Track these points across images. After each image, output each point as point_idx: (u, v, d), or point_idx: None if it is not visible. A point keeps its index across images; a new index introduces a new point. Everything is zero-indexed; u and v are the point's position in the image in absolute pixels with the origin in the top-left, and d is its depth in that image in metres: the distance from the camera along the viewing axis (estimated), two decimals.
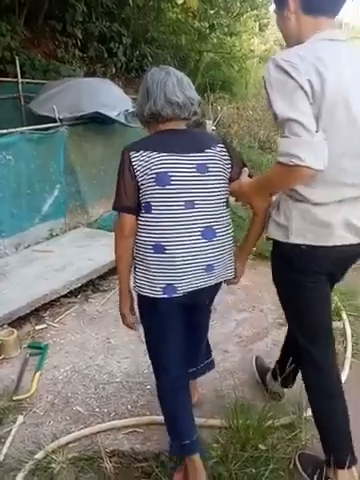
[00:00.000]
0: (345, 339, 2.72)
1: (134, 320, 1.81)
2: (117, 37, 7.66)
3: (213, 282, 1.69)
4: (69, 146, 4.11)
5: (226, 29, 10.62)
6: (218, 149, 1.65)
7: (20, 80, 5.56)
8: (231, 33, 11.00)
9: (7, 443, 1.98)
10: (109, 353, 2.61)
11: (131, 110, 4.81)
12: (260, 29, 17.41)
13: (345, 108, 1.41)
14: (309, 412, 2.04)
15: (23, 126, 4.11)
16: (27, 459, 1.88)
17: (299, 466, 1.90)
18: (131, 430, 2.06)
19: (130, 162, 1.56)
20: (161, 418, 2.08)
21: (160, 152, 1.56)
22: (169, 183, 1.56)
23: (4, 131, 3.52)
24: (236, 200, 1.78)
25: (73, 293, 3.13)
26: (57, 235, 3.91)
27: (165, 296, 1.61)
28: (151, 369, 2.43)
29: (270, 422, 1.97)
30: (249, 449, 1.88)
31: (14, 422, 2.09)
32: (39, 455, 1.88)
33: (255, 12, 13.36)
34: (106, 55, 7.55)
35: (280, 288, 1.77)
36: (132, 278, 1.70)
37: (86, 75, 6.80)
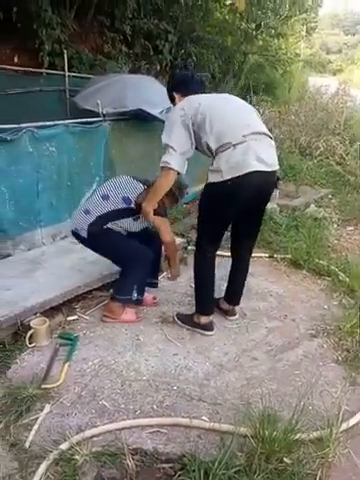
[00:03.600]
0: None
1: None
2: (164, 35, 7.69)
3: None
4: (110, 141, 4.14)
5: (273, 31, 10.49)
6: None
7: (67, 73, 5.65)
8: (278, 35, 10.85)
9: (33, 431, 2.00)
10: (137, 350, 2.61)
11: None
12: (307, 33, 17.10)
13: (224, 107, 2.54)
14: (341, 428, 2.00)
15: (67, 119, 4.17)
16: (51, 448, 1.90)
17: (179, 323, 2.86)
18: (155, 430, 2.06)
19: None
20: (186, 421, 2.09)
21: None
22: None
23: (49, 123, 3.57)
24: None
25: (105, 287, 3.15)
26: None
27: None
28: (178, 370, 2.46)
29: (298, 436, 1.93)
30: (274, 461, 1.84)
31: (41, 410, 2.12)
32: (64, 446, 1.90)
33: (304, 15, 13.10)
34: (152, 52, 7.61)
35: (205, 211, 2.64)
36: None
37: (131, 71, 6.86)
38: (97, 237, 2.75)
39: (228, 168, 2.39)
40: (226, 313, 2.97)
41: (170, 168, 2.43)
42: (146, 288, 3.06)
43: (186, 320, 2.86)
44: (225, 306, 2.98)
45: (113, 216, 2.72)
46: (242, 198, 2.48)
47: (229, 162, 2.39)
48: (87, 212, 2.74)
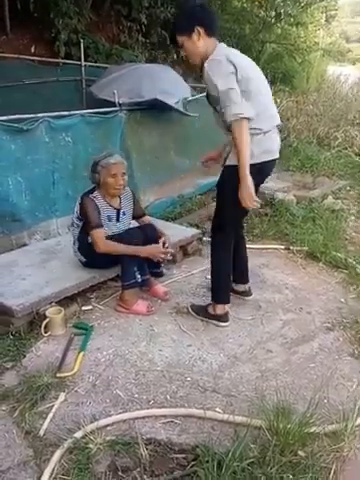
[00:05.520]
0: None
1: None
2: None
3: None
4: (126, 131, 4.13)
5: (292, 19, 10.30)
6: None
7: (83, 63, 5.64)
8: (297, 23, 10.65)
9: (48, 419, 2.02)
10: (152, 340, 2.61)
11: (190, 98, 4.78)
12: (327, 21, 16.76)
13: (259, 83, 2.50)
14: (357, 422, 1.97)
15: (83, 108, 4.17)
16: (66, 437, 1.91)
17: (193, 314, 2.86)
18: (169, 420, 2.06)
19: None
20: (200, 412, 2.08)
21: None
22: None
23: (66, 113, 3.57)
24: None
25: (120, 277, 3.15)
26: None
27: None
28: (192, 361, 2.45)
29: (312, 429, 1.91)
30: (288, 454, 1.82)
31: (56, 399, 2.14)
32: (78, 434, 1.91)
33: (324, 3, 12.83)
34: (168, 41, 7.52)
35: (229, 193, 2.50)
36: None
37: (147, 61, 6.82)
38: (89, 253, 2.90)
39: (261, 152, 2.46)
40: (242, 294, 3.05)
41: (244, 117, 2.31)
42: (160, 284, 3.12)
43: (200, 311, 2.85)
44: (240, 288, 3.04)
45: (84, 234, 2.89)
46: (258, 181, 2.58)
47: (261, 146, 2.46)
48: (74, 243, 3.01)
